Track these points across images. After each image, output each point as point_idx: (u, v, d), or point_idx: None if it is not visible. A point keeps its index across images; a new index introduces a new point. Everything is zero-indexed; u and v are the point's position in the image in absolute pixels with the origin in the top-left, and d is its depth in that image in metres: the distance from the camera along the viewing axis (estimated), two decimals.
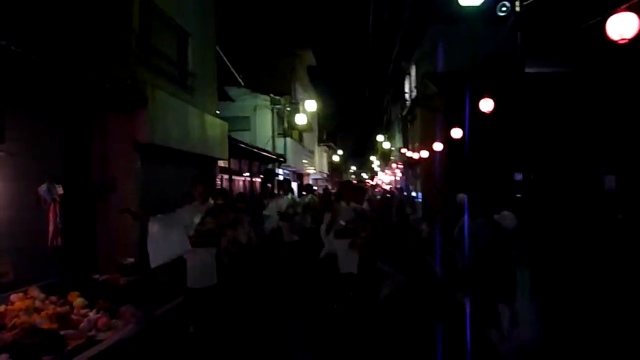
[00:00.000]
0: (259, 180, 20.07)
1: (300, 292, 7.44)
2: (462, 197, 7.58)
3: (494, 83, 11.40)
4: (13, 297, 5.66)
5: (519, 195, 14.97)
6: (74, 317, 5.44)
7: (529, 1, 7.16)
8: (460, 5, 7.91)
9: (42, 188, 6.35)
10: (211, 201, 5.09)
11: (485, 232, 4.65)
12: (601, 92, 14.57)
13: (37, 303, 5.61)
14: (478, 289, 4.68)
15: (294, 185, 24.17)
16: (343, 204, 5.96)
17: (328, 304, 6.12)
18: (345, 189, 6.30)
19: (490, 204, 8.92)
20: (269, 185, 21.69)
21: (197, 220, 4.83)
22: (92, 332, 5.16)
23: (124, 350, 5.13)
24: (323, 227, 5.68)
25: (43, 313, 5.38)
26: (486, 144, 14.18)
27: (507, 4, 7.26)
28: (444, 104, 18.27)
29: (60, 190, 6.58)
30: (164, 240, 4.66)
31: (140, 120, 7.96)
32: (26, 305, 5.45)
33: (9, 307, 5.42)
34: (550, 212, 10.68)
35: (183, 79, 10.47)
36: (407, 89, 28.52)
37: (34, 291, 5.89)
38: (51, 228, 6.43)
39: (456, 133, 12.75)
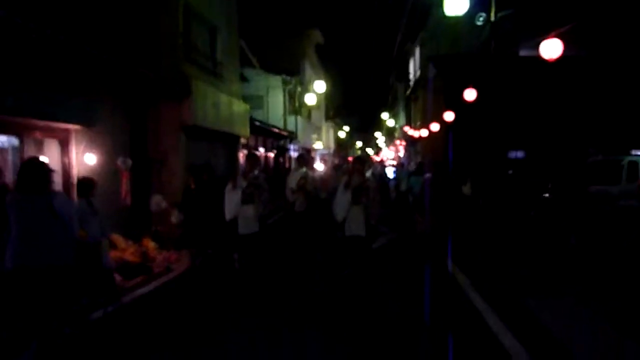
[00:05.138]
0: (272, 155, 21.94)
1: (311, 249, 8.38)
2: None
3: (481, 72, 13.07)
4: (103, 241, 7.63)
5: (510, 172, 16.89)
6: (150, 255, 7.44)
7: (502, 14, 8.86)
8: None
9: (120, 160, 8.30)
10: (255, 172, 6.95)
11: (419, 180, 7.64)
12: (589, 78, 16.23)
13: (122, 245, 7.59)
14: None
15: None
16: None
17: (339, 259, 7.04)
18: (355, 163, 7.00)
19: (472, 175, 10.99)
20: (281, 159, 23.55)
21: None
22: (167, 264, 7.16)
23: (189, 276, 7.12)
24: (341, 186, 6.43)
25: (128, 252, 7.38)
26: (476, 126, 15.92)
27: (484, 15, 8.96)
28: (443, 86, 19.95)
29: (130, 162, 8.53)
30: (231, 202, 6.60)
31: (185, 107, 9.83)
32: (117, 246, 7.43)
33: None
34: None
35: (214, 67, 12.26)
36: (411, 70, 30.00)
37: (117, 237, 7.87)
38: (124, 191, 8.41)
39: (448, 116, 14.46)
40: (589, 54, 15.37)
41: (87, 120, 7.40)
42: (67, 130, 7.18)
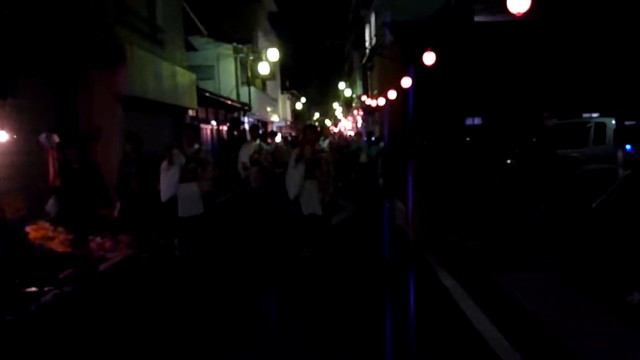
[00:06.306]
0: (225, 128, 20.93)
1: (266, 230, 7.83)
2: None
3: (439, 37, 12.55)
4: (27, 228, 6.72)
5: (468, 139, 16.69)
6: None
7: None
8: None
9: (42, 137, 7.30)
10: (196, 145, 6.19)
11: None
12: (541, 43, 15.98)
13: (50, 233, 6.69)
14: None
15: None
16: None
17: (294, 240, 6.54)
18: (307, 133, 6.45)
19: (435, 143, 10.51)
20: (235, 133, 22.57)
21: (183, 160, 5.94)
22: (101, 253, 6.36)
23: (127, 266, 6.36)
24: (292, 159, 5.95)
25: (56, 240, 6.51)
26: (434, 93, 15.52)
27: None
28: (400, 53, 19.38)
29: (56, 138, 7.54)
30: (169, 181, 5.82)
31: (121, 75, 8.84)
32: (41, 234, 6.54)
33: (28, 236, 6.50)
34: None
35: (153, 33, 11.19)
36: (367, 37, 29.25)
37: (44, 224, 6.95)
38: (51, 171, 7.45)
39: (406, 82, 13.95)
40: (540, 18, 15.09)
41: None
42: None
